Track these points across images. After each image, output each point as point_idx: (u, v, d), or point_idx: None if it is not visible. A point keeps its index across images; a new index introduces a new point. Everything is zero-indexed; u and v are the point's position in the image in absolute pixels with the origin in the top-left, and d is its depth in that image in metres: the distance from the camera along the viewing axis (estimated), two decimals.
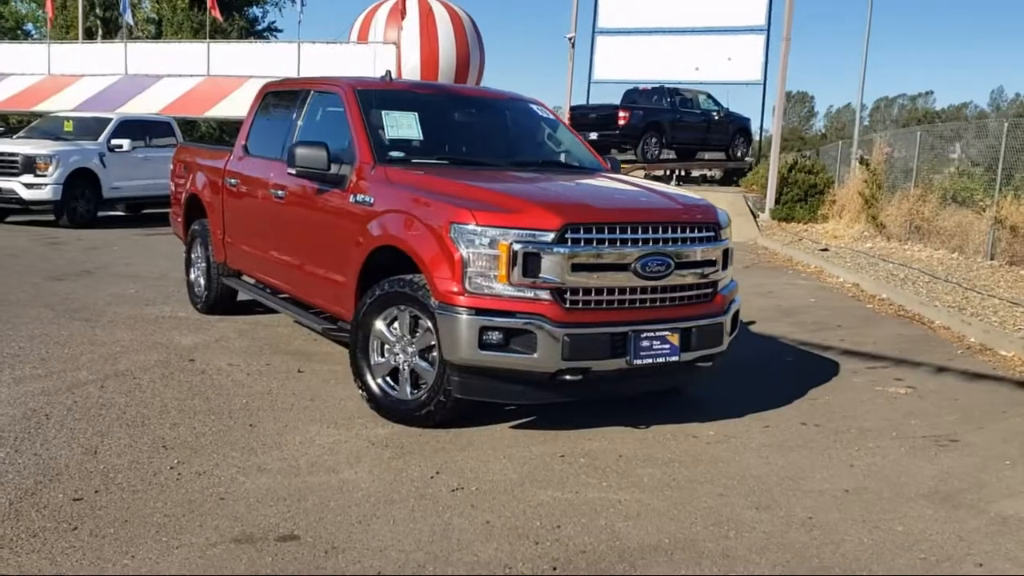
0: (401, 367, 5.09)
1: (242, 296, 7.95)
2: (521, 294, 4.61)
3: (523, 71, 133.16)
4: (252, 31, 45.90)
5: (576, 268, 4.62)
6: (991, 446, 5.21)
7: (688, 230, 5.00)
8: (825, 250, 14.82)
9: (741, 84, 25.70)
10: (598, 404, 5.44)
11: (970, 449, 5.13)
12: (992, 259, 12.35)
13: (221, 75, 26.32)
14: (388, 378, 5.16)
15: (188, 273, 8.25)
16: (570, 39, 26.28)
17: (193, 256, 8.15)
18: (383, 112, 5.83)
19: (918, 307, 9.69)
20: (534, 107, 6.82)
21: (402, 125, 5.80)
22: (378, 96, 6.00)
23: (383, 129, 5.72)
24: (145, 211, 17.45)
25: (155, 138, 16.86)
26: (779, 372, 6.83)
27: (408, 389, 5.07)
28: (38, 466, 4.20)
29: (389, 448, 4.70)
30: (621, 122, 23.06)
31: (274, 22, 47.66)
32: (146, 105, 24.31)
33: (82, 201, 15.14)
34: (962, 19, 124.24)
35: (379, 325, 5.15)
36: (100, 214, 15.66)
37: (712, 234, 5.14)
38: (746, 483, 4.41)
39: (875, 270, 12.41)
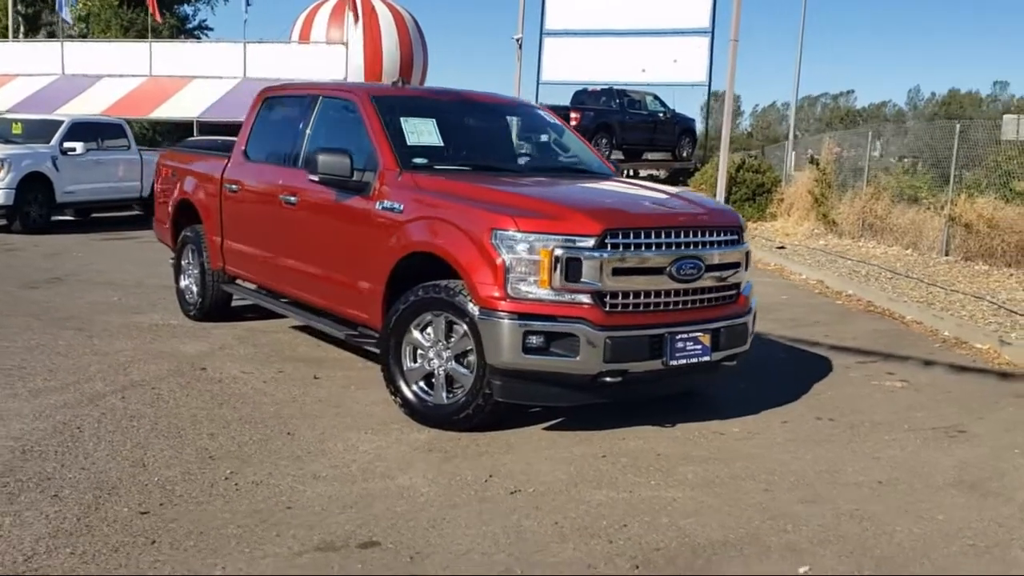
0: (436, 372, 5.13)
1: (236, 302, 7.90)
2: (562, 298, 4.70)
3: (471, 72, 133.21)
4: (183, 29, 44.96)
5: (616, 272, 4.73)
6: (996, 436, 5.47)
7: (715, 233, 5.15)
8: (782, 247, 15.22)
9: (687, 85, 26.22)
10: (621, 405, 5.55)
11: (978, 439, 5.39)
12: (947, 255, 12.85)
13: (164, 75, 25.76)
14: (422, 383, 5.19)
15: (178, 280, 8.12)
16: (518, 40, 26.40)
17: (184, 263, 8.03)
18: (402, 119, 5.85)
19: (887, 303, 10.05)
20: (541, 112, 6.91)
21: (422, 131, 5.84)
22: (395, 103, 6.03)
23: (404, 135, 5.74)
24: (94, 215, 17.07)
25: (107, 140, 16.48)
26: (776, 369, 7.04)
27: (443, 394, 5.12)
28: (91, 480, 4.15)
29: (433, 453, 4.75)
30: (573, 123, 23.23)
31: (205, 20, 46.61)
32: (86, 106, 23.64)
33: (35, 206, 14.68)
34: (881, 19, 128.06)
35: (413, 331, 5.18)
36: (52, 219, 15.23)
37: (736, 237, 5.31)
38: (786, 478, 4.57)
39: (835, 267, 12.80)
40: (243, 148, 7.11)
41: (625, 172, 25.52)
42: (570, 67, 26.21)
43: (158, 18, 29.00)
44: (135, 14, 38.46)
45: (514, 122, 6.78)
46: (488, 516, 3.95)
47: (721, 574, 3.49)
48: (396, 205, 5.35)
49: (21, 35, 34.87)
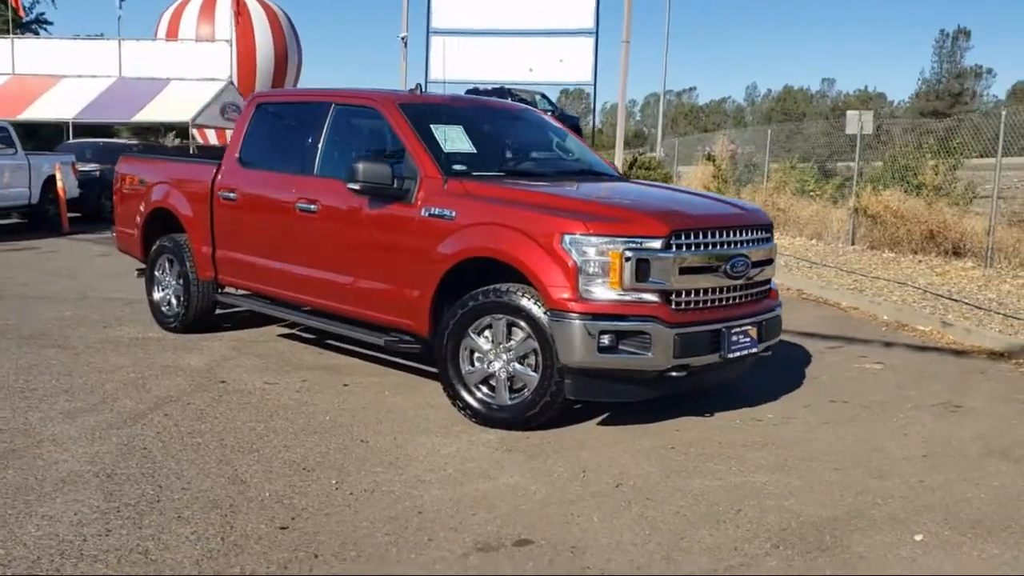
0: (497, 374, 5.26)
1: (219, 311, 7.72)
2: (631, 298, 4.93)
3: (353, 71, 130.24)
4: (20, 23, 42.24)
5: (681, 271, 4.99)
6: (988, 408, 6.07)
7: (755, 232, 5.50)
8: None
9: (574, 85, 26.92)
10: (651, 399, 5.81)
11: (975, 413, 5.96)
12: (853, 244, 13.82)
13: (30, 74, 24.30)
14: (482, 385, 5.31)
15: (151, 293, 7.84)
16: (403, 39, 26.40)
17: (159, 274, 7.77)
18: (432, 126, 5.92)
19: (818, 291, 10.77)
20: (546, 118, 7.10)
21: (453, 138, 5.93)
22: (422, 110, 6.08)
23: (438, 143, 5.82)
24: None
25: None
26: (762, 358, 7.47)
27: (506, 395, 5.25)
28: (201, 500, 4.08)
29: (514, 452, 4.88)
30: None
31: (43, 14, 43.85)
32: None
33: None
34: (719, 19, 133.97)
35: (470, 335, 5.29)
36: None
37: (769, 235, 5.68)
38: (845, 457, 4.96)
39: None
40: (237, 155, 6.95)
41: None
42: (458, 66, 26.34)
43: (21, 12, 27.23)
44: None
45: (528, 127, 6.93)
46: (610, 509, 4.13)
47: (852, 547, 3.80)
48: (447, 212, 5.42)
49: None
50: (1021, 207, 12.95)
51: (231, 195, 6.88)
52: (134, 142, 23.05)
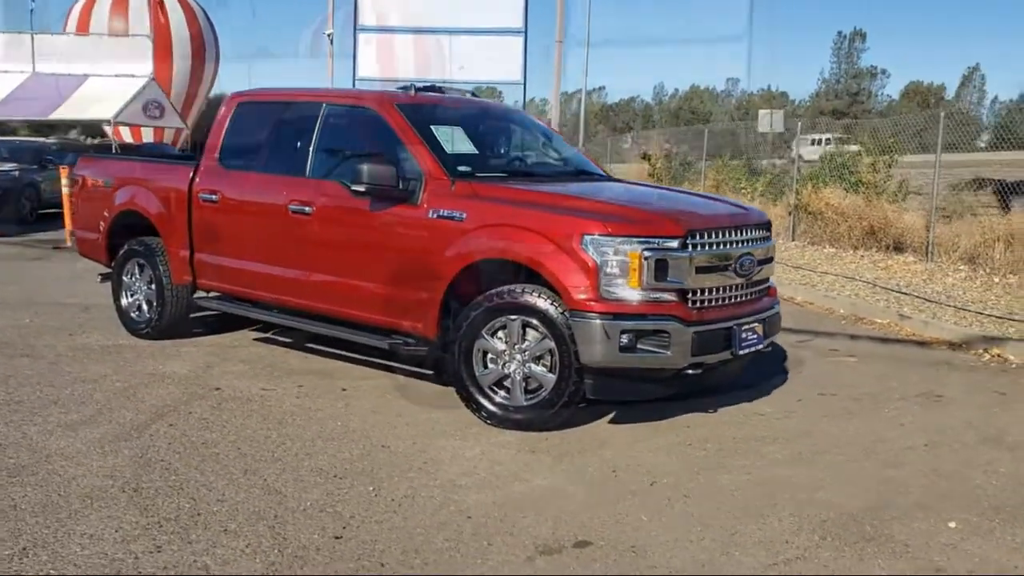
0: (512, 375, 5.26)
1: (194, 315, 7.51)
2: (650, 297, 5.00)
3: (278, 68, 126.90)
4: None
5: (698, 271, 5.09)
6: (967, 398, 6.34)
7: (757, 230, 5.64)
8: None
9: (504, 84, 26.94)
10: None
11: (957, 403, 6.21)
12: (794, 240, 14.24)
13: None
14: (495, 387, 5.30)
15: (119, 298, 7.57)
16: (329, 36, 26.04)
17: (127, 279, 7.51)
18: (431, 127, 5.88)
19: None
20: (532, 118, 7.13)
21: (454, 139, 5.90)
22: (420, 111, 6.03)
23: (440, 144, 5.78)
24: None
25: None
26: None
27: (520, 396, 5.26)
28: (242, 512, 3.97)
29: (539, 454, 4.90)
30: None
31: None
32: None
33: None
34: (627, 18, 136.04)
35: (484, 336, 5.28)
36: None
37: (768, 233, 5.82)
38: (852, 448, 5.12)
39: None
40: (216, 156, 6.77)
41: None
42: (387, 64, 26.11)
43: None
44: None
45: (515, 128, 6.94)
46: (654, 507, 4.19)
47: (895, 535, 3.94)
48: (456, 213, 5.40)
49: None
50: (947, 203, 13.55)
51: (212, 197, 6.70)
52: (51, 141, 22.08)
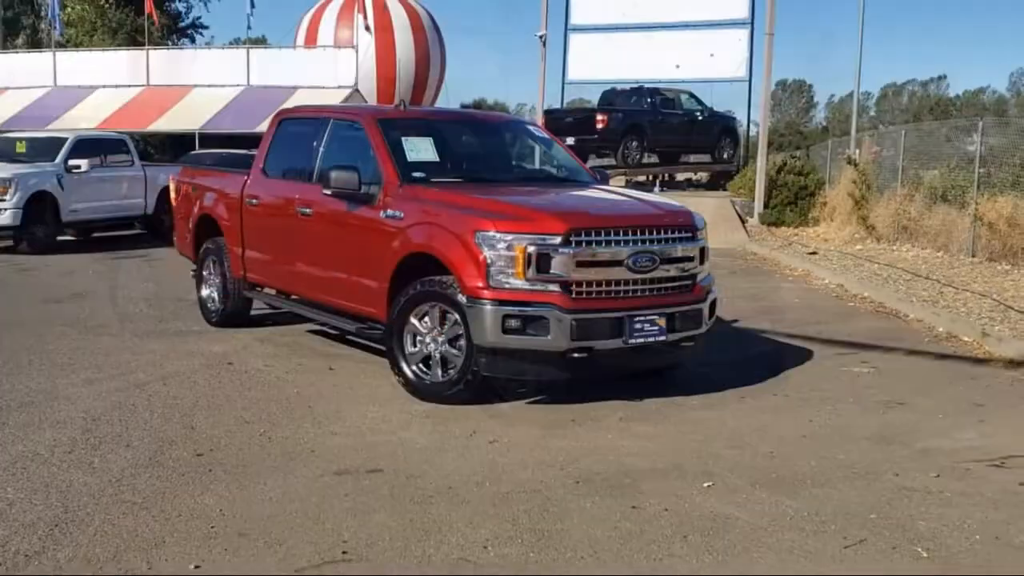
0: (432, 354, 7.00)
1: (254, 311, 9.85)
2: (535, 287, 6.55)
3: (492, 72, 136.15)
4: (176, 28, 47.60)
5: (580, 264, 6.57)
6: (934, 407, 7.21)
7: (669, 231, 6.99)
8: (813, 253, 16.93)
9: (725, 81, 27.93)
10: (598, 386, 7.35)
11: (914, 409, 7.13)
12: (973, 256, 14.51)
13: (162, 85, 28.08)
14: (421, 365, 7.06)
15: (200, 290, 10.09)
16: (541, 38, 28.39)
17: (205, 273, 10.00)
18: (403, 138, 7.77)
19: (895, 303, 11.77)
20: (531, 128, 8.84)
21: (420, 148, 7.75)
22: (398, 123, 7.96)
23: (405, 153, 7.65)
24: (95, 235, 19.12)
25: (110, 156, 18.62)
26: (757, 360, 8.81)
27: (439, 372, 6.98)
28: (152, 438, 6.06)
29: (430, 419, 6.61)
30: (599, 126, 25.07)
31: (199, 18, 49.30)
32: (80, 120, 25.98)
33: (41, 226, 16.80)
34: None
35: (412, 320, 7.06)
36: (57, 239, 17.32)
37: (689, 235, 7.13)
38: (723, 434, 6.37)
39: (860, 271, 14.52)
40: (262, 166, 9.07)
41: (660, 177, 27.48)
42: (598, 65, 28.01)
43: (157, 22, 31.33)
44: (123, 15, 41.15)
45: (507, 137, 8.68)
46: (469, 456, 5.80)
47: (643, 488, 5.29)
48: (398, 213, 7.24)
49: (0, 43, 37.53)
50: None
51: (254, 201, 8.99)
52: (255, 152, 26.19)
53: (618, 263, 6.71)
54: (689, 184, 29.03)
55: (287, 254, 8.55)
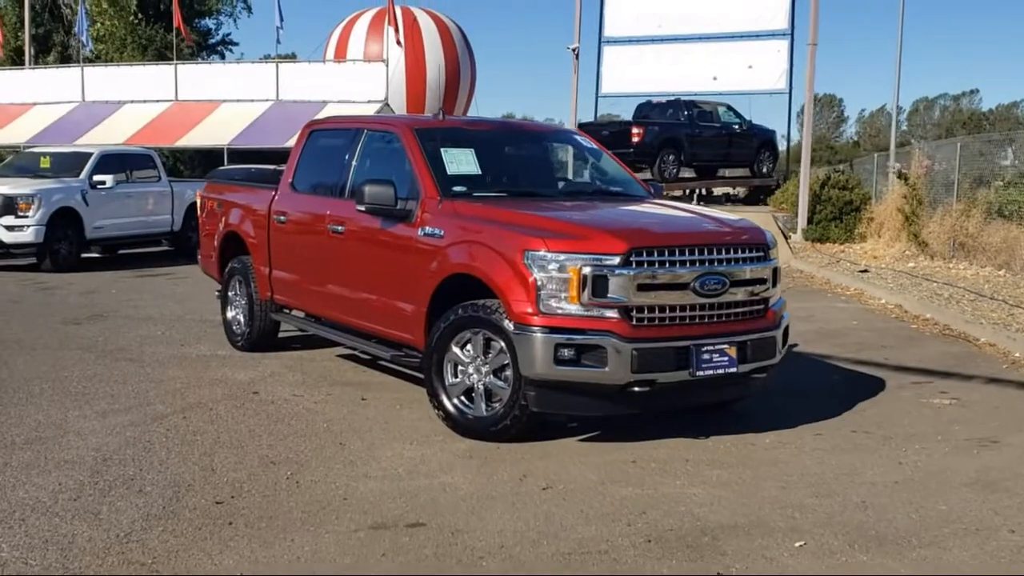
0: (475, 386, 6.35)
1: (282, 333, 9.25)
2: (591, 313, 5.89)
3: (523, 86, 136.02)
4: (206, 45, 47.52)
5: (641, 288, 5.91)
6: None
7: (739, 251, 6.31)
8: (865, 271, 16.17)
9: (764, 93, 27.23)
10: (658, 419, 6.69)
11: (1009, 449, 6.40)
12: None
13: (191, 100, 27.70)
14: (463, 397, 6.41)
15: (224, 312, 9.50)
16: (574, 50, 27.80)
17: (231, 294, 9.41)
18: (443, 149, 7.14)
19: (963, 325, 11.01)
20: (578, 138, 8.18)
21: (461, 161, 7.12)
22: (436, 134, 7.33)
23: (444, 165, 7.02)
24: (121, 252, 18.65)
25: (136, 172, 18.17)
26: (826, 389, 8.10)
27: (483, 406, 6.33)
28: (168, 481, 5.43)
29: (474, 459, 5.95)
30: (635, 139, 24.41)
31: (229, 35, 49.26)
32: (107, 136, 25.64)
33: (64, 243, 16.32)
34: (1009, 8, 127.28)
35: (453, 348, 6.42)
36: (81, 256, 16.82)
37: (761, 254, 6.45)
38: (805, 479, 5.67)
39: (918, 290, 13.75)
40: (290, 180, 8.47)
41: (696, 192, 26.76)
42: (632, 78, 27.41)
43: (189, 39, 31.01)
44: (153, 31, 41.03)
45: (552, 148, 8.05)
46: (521, 506, 5.13)
47: (724, 549, 4.60)
48: (437, 231, 6.61)
49: (30, 57, 37.34)
50: None
51: (282, 218, 8.39)
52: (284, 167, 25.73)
53: (683, 286, 6.03)
54: (727, 199, 28.32)
55: (317, 274, 7.94)
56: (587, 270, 5.84)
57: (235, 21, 50.66)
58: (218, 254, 9.64)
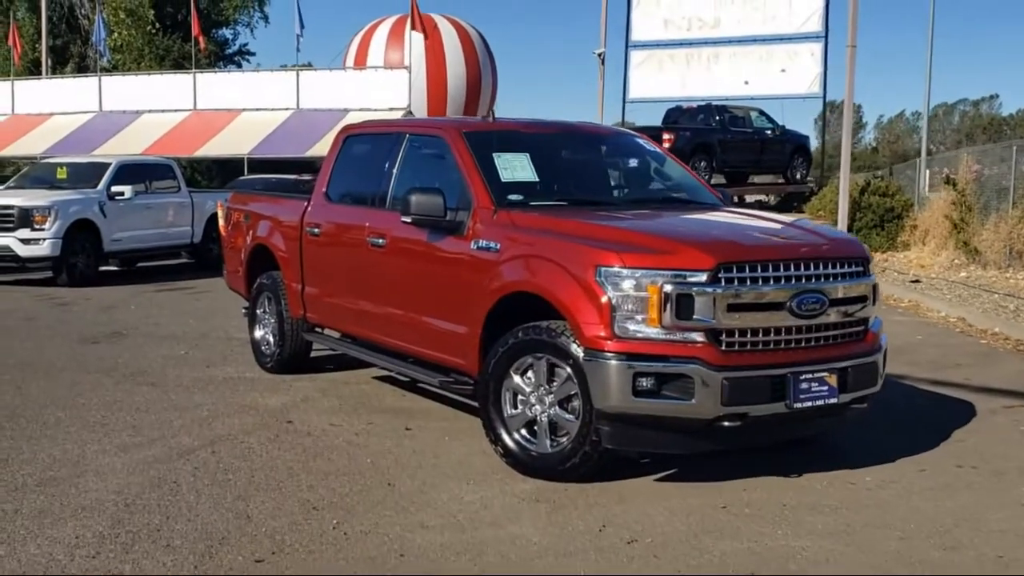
0: (538, 418, 5.65)
1: (315, 352, 8.59)
2: (674, 337, 5.19)
3: (546, 93, 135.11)
4: (223, 55, 47.08)
5: (731, 308, 5.20)
6: None
7: (838, 265, 5.60)
8: (916, 281, 15.41)
9: (797, 98, 26.54)
10: (738, 454, 5.98)
11: None
12: None
13: (210, 109, 27.16)
14: (524, 431, 5.72)
15: (253, 331, 8.83)
16: (599, 55, 27.14)
17: (259, 312, 8.75)
18: (495, 154, 6.46)
19: None
20: (640, 140, 7.48)
21: (515, 167, 6.43)
22: (487, 138, 6.65)
23: (498, 171, 6.34)
24: (140, 264, 18.03)
25: (155, 183, 17.55)
26: (913, 415, 7.37)
27: (547, 441, 5.63)
28: (199, 532, 4.76)
29: (542, 503, 5.25)
30: (666, 145, 23.71)
31: (246, 44, 48.75)
32: (125, 146, 25.10)
33: (82, 256, 15.69)
34: None
35: (512, 376, 5.72)
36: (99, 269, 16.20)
37: (861, 269, 5.75)
38: (923, 527, 4.95)
39: (979, 302, 12.98)
40: (324, 190, 7.80)
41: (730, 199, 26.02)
42: (660, 83, 26.83)
43: (204, 49, 30.51)
44: (171, 41, 40.55)
45: (612, 152, 7.35)
46: (606, 563, 4.43)
47: None
48: (492, 244, 5.93)
49: (48, 68, 36.89)
50: None
51: (316, 231, 7.72)
52: (307, 177, 25.11)
53: (779, 306, 5.32)
54: (760, 206, 27.54)
55: (355, 292, 7.27)
56: (669, 288, 5.14)
57: (252, 31, 50.06)
58: (245, 269, 8.98)
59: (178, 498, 5.26)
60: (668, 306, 5.14)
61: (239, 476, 5.66)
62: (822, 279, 5.49)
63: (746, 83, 25.71)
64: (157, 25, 40.20)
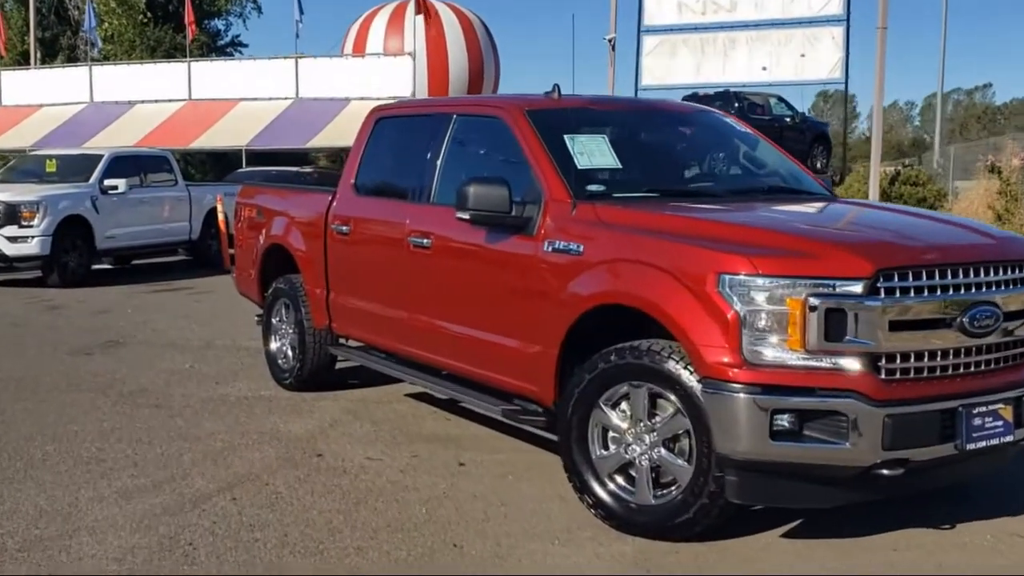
0: (638, 461, 4.54)
1: (338, 365, 7.49)
2: (821, 364, 4.08)
3: (552, 79, 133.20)
4: (215, 47, 45.74)
5: (895, 326, 4.09)
6: None
7: (1011, 270, 4.48)
8: None
9: (818, 84, 25.48)
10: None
11: None
12: None
13: (205, 99, 25.99)
14: (620, 477, 4.61)
15: (268, 342, 7.71)
16: (610, 41, 26.04)
17: (275, 321, 7.63)
18: (566, 136, 5.33)
19: None
20: (728, 120, 6.37)
21: (593, 151, 5.31)
22: (556, 117, 5.51)
23: (573, 157, 5.22)
24: (135, 262, 16.91)
25: (150, 176, 16.42)
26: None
27: (648, 492, 4.52)
28: None
29: (652, 569, 4.16)
30: None
31: (239, 36, 47.40)
32: (118, 137, 23.99)
33: (73, 254, 14.56)
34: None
35: (602, 408, 4.62)
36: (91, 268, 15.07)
37: None
38: None
39: None
40: (353, 180, 6.68)
41: None
42: (675, 68, 25.72)
43: (191, 33, 29.33)
44: (163, 32, 39.25)
45: (698, 133, 6.23)
46: None
47: None
48: (572, 245, 4.81)
49: (36, 60, 35.58)
50: None
51: (344, 228, 6.60)
52: (308, 169, 23.95)
53: (948, 322, 4.21)
54: None
55: (393, 300, 6.14)
56: (816, 301, 4.03)
57: (245, 22, 48.71)
58: (258, 271, 7.85)
59: (196, 567, 4.16)
60: (815, 324, 4.02)
61: (268, 534, 4.55)
62: (993, 287, 4.39)
63: (764, 69, 24.58)
64: (148, 15, 38.89)
